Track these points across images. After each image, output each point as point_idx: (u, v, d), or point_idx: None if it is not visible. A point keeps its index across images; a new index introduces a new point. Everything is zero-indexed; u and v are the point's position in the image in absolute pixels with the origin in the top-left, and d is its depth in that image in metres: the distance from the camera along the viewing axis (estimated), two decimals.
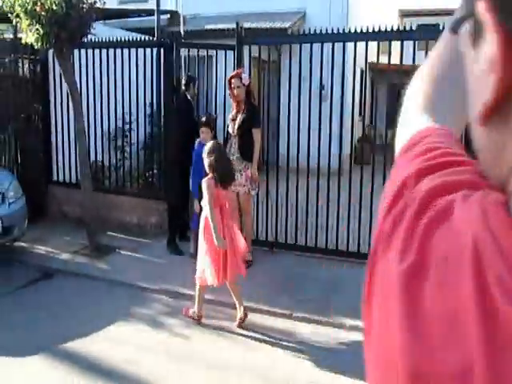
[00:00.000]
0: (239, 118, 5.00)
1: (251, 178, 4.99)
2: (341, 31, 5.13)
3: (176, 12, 8.93)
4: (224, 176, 3.87)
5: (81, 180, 5.57)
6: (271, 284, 4.74)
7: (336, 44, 5.03)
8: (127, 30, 8.03)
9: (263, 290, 4.57)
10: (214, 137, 5.26)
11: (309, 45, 5.12)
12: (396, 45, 4.84)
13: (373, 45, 5.05)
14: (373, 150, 5.46)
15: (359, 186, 5.17)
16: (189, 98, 5.53)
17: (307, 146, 5.34)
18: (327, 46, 5.07)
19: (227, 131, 5.22)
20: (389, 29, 4.85)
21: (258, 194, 5.44)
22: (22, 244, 5.72)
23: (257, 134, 4.98)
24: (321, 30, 5.12)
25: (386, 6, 14.01)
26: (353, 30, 5.03)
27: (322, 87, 5.28)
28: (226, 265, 3.76)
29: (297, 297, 4.46)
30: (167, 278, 4.83)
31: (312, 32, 5.17)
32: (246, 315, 3.98)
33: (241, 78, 4.91)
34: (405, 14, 15.84)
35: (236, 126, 5.02)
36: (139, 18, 9.61)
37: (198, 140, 5.14)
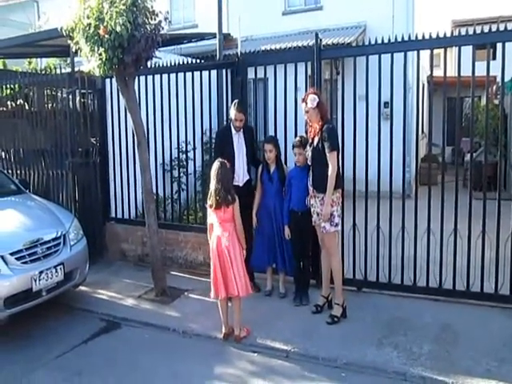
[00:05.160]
0: (315, 142, 4.37)
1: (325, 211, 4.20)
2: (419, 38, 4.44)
3: (229, 35, 8.55)
4: (210, 197, 4.00)
5: (146, 217, 5.05)
6: (368, 334, 4.05)
7: (397, 55, 4.48)
8: (181, 55, 7.67)
9: (360, 343, 3.89)
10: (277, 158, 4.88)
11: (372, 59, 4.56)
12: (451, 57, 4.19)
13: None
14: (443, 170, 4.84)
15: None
16: (232, 124, 4.94)
17: (377, 169, 4.74)
18: (397, 57, 4.49)
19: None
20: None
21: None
22: (84, 288, 5.26)
23: (332, 158, 4.16)
24: (402, 37, 4.48)
25: (440, 17, 13.38)
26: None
27: (388, 105, 4.69)
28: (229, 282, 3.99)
29: (407, 351, 3.74)
30: (251, 327, 4.20)
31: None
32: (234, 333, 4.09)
33: (306, 104, 4.30)
34: (458, 25, 15.21)
35: (310, 153, 4.41)
36: (189, 43, 9.33)
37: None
